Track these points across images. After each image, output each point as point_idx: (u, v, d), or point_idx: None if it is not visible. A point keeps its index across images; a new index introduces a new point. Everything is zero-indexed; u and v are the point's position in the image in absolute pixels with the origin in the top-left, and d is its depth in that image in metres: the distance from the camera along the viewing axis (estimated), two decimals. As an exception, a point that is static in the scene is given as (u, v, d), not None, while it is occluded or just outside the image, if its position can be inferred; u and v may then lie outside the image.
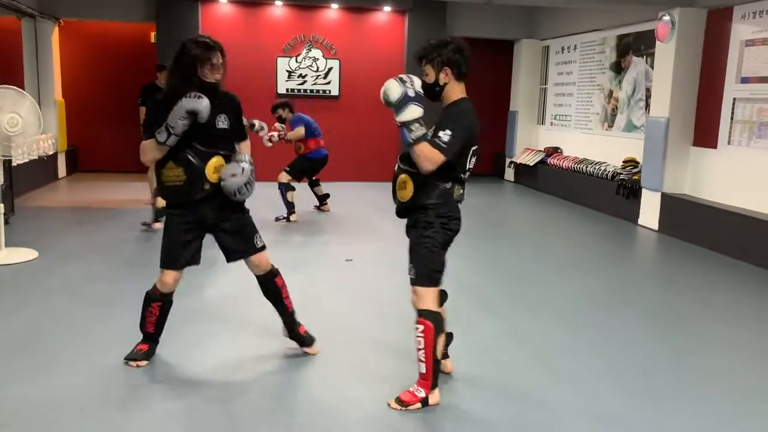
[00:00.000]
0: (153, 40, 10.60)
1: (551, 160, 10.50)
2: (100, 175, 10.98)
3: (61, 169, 10.52)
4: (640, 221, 8.03)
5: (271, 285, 3.58)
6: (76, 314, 4.29)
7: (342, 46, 10.84)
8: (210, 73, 3.29)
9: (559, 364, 3.76)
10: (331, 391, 3.31)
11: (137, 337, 3.58)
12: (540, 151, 11.12)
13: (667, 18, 7.43)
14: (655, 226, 7.74)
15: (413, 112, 2.92)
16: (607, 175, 8.86)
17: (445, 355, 3.39)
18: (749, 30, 6.72)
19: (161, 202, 6.74)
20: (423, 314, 3.03)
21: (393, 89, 2.92)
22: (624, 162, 8.69)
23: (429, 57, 3.02)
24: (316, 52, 10.79)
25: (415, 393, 3.07)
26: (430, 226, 3.04)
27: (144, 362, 3.50)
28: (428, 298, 3.05)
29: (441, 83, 3.02)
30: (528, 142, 11.75)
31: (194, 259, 3.45)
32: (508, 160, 12.07)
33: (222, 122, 3.37)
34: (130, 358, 3.50)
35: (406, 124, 2.93)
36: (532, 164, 10.99)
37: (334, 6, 10.65)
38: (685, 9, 7.29)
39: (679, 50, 7.37)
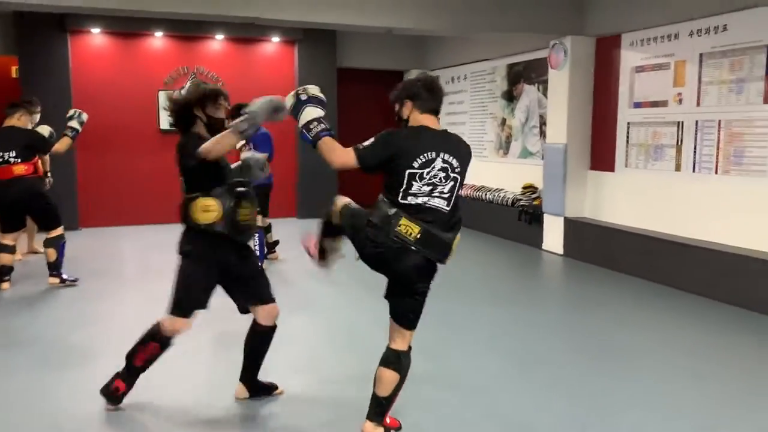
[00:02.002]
0: (15, 74, 9.59)
1: (449, 189, 10.46)
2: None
3: None
4: (545, 246, 8.10)
5: (270, 338, 3.50)
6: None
7: (229, 78, 10.29)
8: (216, 110, 3.40)
9: (486, 396, 3.51)
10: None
11: None
12: (437, 179, 11.08)
13: (559, 46, 7.60)
14: (560, 250, 7.82)
15: (309, 113, 3.03)
16: (507, 201, 8.91)
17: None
18: (638, 57, 6.98)
19: (4, 258, 6.08)
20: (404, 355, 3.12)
21: (287, 99, 3.12)
22: (523, 188, 8.78)
23: (393, 95, 3.13)
24: (201, 85, 10.18)
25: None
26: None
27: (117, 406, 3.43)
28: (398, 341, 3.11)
29: (404, 116, 3.07)
30: (423, 172, 11.70)
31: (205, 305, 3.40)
32: (404, 190, 11.94)
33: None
34: (107, 395, 3.42)
35: (305, 126, 3.01)
36: (430, 193, 10.91)
37: (219, 37, 10.14)
38: (576, 37, 7.50)
39: (572, 77, 7.55)
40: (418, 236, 2.90)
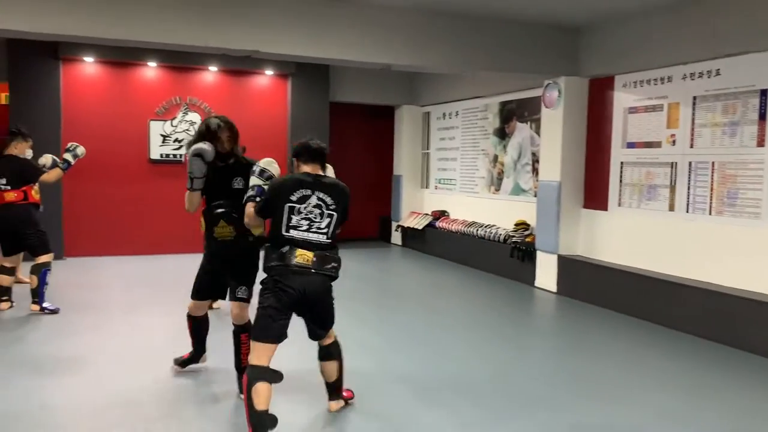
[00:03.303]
0: (4, 101, 9.49)
1: (440, 224, 10.48)
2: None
3: None
4: (537, 283, 8.09)
5: (236, 335, 4.20)
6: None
7: (221, 110, 10.07)
8: (220, 144, 4.12)
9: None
10: None
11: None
12: (427, 214, 11.10)
13: (553, 86, 7.71)
14: (553, 287, 7.81)
15: (251, 181, 3.80)
16: (499, 237, 8.92)
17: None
18: (631, 98, 7.10)
19: (3, 280, 6.25)
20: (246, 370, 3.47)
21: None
22: (515, 225, 8.81)
23: (289, 157, 3.92)
24: (194, 116, 10.17)
25: None
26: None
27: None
28: (252, 355, 3.46)
29: (295, 171, 3.72)
30: (413, 206, 11.72)
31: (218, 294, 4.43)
32: (394, 224, 11.94)
33: (237, 183, 4.12)
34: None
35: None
36: (420, 228, 10.92)
37: (212, 68, 10.16)
38: (569, 78, 7.61)
39: (566, 116, 7.64)
40: (314, 259, 3.49)
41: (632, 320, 6.50)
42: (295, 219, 3.47)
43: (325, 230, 3.52)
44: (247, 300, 4.16)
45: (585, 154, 7.77)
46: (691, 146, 6.39)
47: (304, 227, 3.48)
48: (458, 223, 10.05)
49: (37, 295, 6.19)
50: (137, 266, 8.95)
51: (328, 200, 3.54)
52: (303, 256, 3.45)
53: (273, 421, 3.31)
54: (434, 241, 10.62)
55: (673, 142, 6.59)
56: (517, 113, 9.11)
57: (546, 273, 7.95)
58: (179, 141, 10.06)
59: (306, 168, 3.66)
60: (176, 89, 10.09)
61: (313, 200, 3.51)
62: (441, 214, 10.77)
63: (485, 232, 9.26)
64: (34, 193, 6.34)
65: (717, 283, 6.01)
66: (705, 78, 6.25)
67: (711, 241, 6.16)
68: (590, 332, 6.15)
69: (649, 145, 6.88)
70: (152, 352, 5.01)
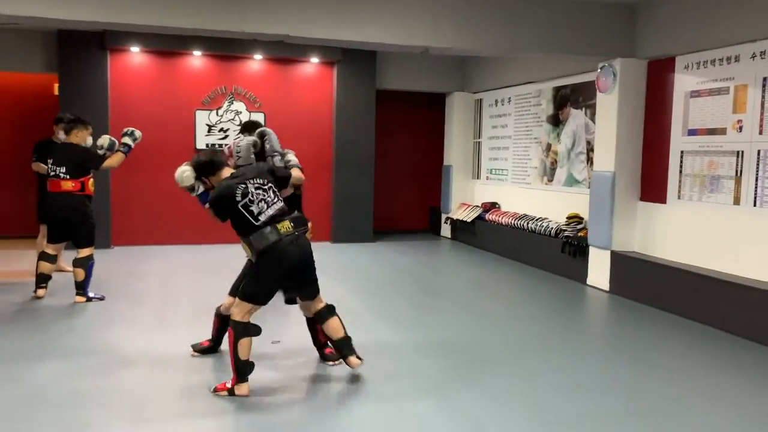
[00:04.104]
0: (56, 92, 9.62)
1: (490, 216, 10.03)
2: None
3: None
4: (589, 281, 7.56)
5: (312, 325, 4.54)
6: None
7: (267, 99, 10.17)
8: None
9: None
10: None
11: None
12: (477, 206, 10.66)
13: (608, 69, 7.15)
14: (606, 286, 7.28)
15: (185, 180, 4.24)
16: (550, 231, 8.42)
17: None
18: (693, 81, 6.47)
19: (44, 267, 6.30)
20: (231, 324, 3.97)
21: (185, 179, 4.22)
22: (568, 218, 8.28)
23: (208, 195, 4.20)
24: (239, 105, 10.07)
25: (226, 384, 4.00)
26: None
27: None
28: (237, 310, 3.97)
29: (215, 184, 4.13)
30: (464, 197, 11.30)
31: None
32: (444, 216, 11.55)
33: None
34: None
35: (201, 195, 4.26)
36: (469, 220, 10.49)
37: (258, 57, 10.01)
38: (626, 59, 7.03)
39: (621, 102, 7.07)
40: (291, 227, 3.99)
41: (692, 325, 5.93)
42: (255, 208, 3.94)
43: (274, 198, 4.06)
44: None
45: (642, 142, 7.17)
46: (761, 132, 5.75)
47: (263, 209, 3.97)
48: (509, 216, 9.58)
49: (83, 287, 6.20)
50: (182, 256, 8.92)
51: (259, 180, 4.03)
52: (284, 227, 3.96)
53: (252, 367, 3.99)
54: (484, 234, 10.18)
55: (740, 128, 5.95)
56: (571, 99, 8.55)
57: (599, 270, 7.41)
58: (225, 131, 9.98)
59: (222, 173, 4.12)
60: (222, 78, 10.01)
61: (251, 188, 3.98)
62: (491, 206, 10.31)
63: (536, 225, 8.76)
64: (91, 185, 6.36)
65: (787, 286, 5.40)
66: (777, 56, 5.60)
67: (782, 238, 5.53)
68: (645, 338, 5.60)
69: (712, 132, 6.26)
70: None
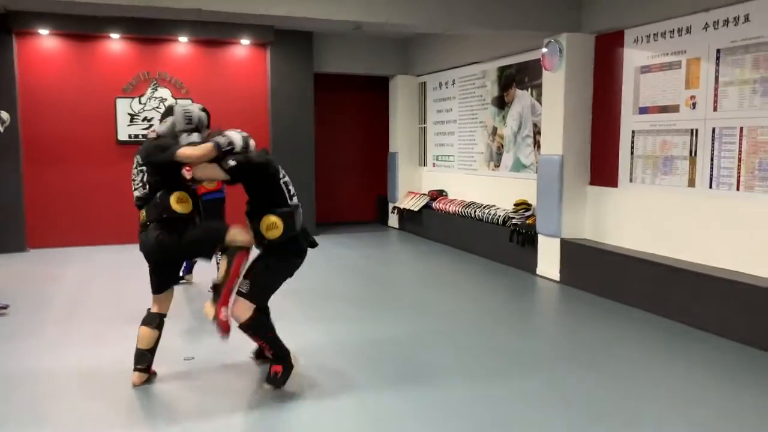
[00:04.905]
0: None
1: (436, 205, 9.54)
2: None
3: None
4: (539, 271, 7.14)
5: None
6: None
7: (194, 85, 9.42)
8: None
9: None
10: None
11: None
12: (424, 194, 10.16)
13: (553, 45, 6.68)
14: (556, 276, 6.86)
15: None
16: (497, 219, 7.96)
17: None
18: (644, 55, 6.05)
19: None
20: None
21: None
22: (515, 205, 7.83)
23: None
24: (164, 92, 9.30)
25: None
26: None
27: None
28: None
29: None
30: (411, 185, 10.78)
31: None
32: (390, 205, 11.02)
33: None
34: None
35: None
36: (416, 209, 9.98)
37: (182, 39, 9.25)
38: (572, 34, 6.58)
39: (568, 80, 6.62)
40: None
41: (646, 316, 5.55)
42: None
43: (140, 184, 3.85)
44: None
45: (591, 123, 6.75)
46: (715, 109, 5.36)
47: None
48: (456, 204, 9.10)
49: None
50: (103, 257, 8.17)
51: (139, 159, 3.92)
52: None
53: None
54: (431, 223, 9.69)
55: (693, 105, 5.55)
56: (516, 79, 8.08)
57: (548, 259, 6.99)
58: (149, 120, 9.21)
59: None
60: (144, 63, 9.22)
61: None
62: (438, 194, 9.83)
63: (483, 213, 8.30)
64: None
65: (747, 273, 5.02)
66: (731, 26, 5.19)
67: (739, 222, 5.15)
68: (596, 331, 5.19)
69: (664, 109, 5.85)
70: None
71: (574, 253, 6.66)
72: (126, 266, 7.42)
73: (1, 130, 5.72)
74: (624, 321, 5.47)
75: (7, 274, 7.11)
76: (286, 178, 3.87)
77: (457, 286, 6.99)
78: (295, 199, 3.84)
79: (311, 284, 6.48)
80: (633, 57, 6.18)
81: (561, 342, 5.10)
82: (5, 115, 5.76)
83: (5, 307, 5.55)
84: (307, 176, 9.90)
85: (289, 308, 5.49)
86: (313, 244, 4.00)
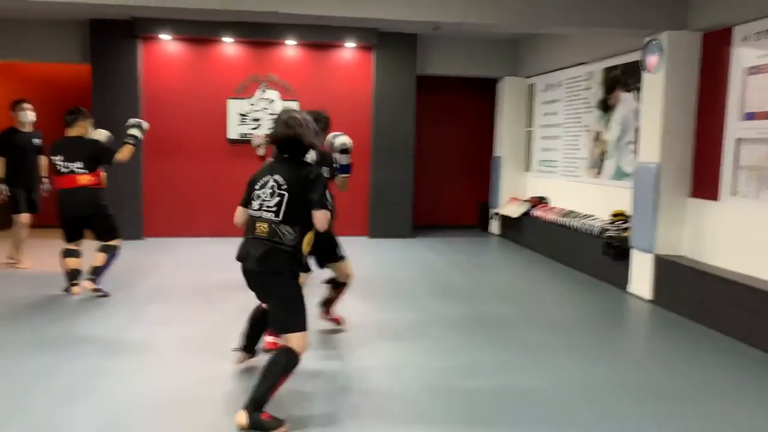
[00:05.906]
0: (93, 82, 9.60)
1: (536, 212, 9.15)
2: None
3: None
4: (631, 288, 6.61)
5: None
6: None
7: (301, 86, 9.72)
8: None
9: None
10: None
11: None
12: (525, 201, 9.78)
13: (653, 45, 6.16)
14: (648, 295, 6.32)
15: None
16: (593, 230, 7.48)
17: None
18: (753, 54, 5.41)
19: (72, 263, 6.03)
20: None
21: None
22: (613, 215, 7.31)
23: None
24: (272, 93, 9.67)
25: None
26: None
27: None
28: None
29: None
30: (514, 191, 10.42)
31: None
32: (492, 212, 10.72)
33: None
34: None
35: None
36: (516, 216, 9.63)
37: (291, 42, 9.57)
38: (675, 32, 6.02)
39: (669, 82, 6.07)
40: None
41: (743, 348, 4.92)
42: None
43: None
44: None
45: (694, 129, 6.14)
46: (830, 116, 4.67)
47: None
48: (554, 212, 8.67)
49: (97, 274, 5.98)
50: (212, 249, 8.62)
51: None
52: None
53: None
54: (530, 231, 9.30)
55: (806, 110, 4.88)
56: (621, 81, 7.54)
57: (641, 277, 6.45)
58: (257, 120, 9.64)
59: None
60: (254, 66, 9.65)
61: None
62: (539, 201, 9.41)
63: (581, 223, 7.83)
64: (104, 178, 6.18)
65: None
66: None
67: None
68: (683, 362, 4.64)
69: (773, 115, 5.20)
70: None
71: (667, 271, 6.09)
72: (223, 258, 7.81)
73: (141, 137, 6.23)
74: (713, 350, 4.90)
75: (129, 259, 7.57)
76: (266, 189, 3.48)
77: (537, 301, 6.58)
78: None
79: (376, 285, 6.41)
80: (741, 57, 5.54)
81: (643, 364, 4.64)
82: (146, 125, 6.26)
83: (106, 295, 5.97)
84: (405, 179, 9.89)
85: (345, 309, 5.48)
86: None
